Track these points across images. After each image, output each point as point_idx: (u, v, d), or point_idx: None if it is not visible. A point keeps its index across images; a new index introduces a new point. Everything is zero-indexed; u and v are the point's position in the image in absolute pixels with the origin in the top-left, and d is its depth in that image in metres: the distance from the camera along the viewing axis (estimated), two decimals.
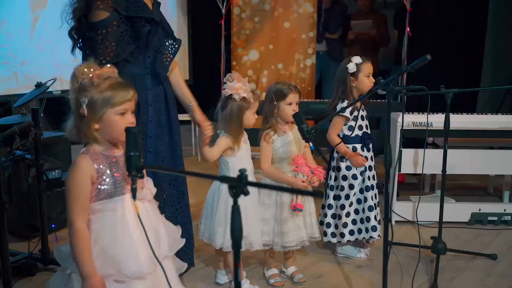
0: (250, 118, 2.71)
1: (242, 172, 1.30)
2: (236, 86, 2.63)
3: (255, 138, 2.92)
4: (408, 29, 4.84)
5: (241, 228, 1.34)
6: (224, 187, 2.64)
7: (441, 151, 3.74)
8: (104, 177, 1.79)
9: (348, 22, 6.27)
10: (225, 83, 2.67)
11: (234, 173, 2.65)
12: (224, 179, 1.36)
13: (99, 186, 1.79)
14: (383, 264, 2.48)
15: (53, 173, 3.17)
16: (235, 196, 1.32)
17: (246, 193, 1.32)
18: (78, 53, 2.34)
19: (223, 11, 5.50)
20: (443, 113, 3.79)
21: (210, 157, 2.63)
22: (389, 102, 2.23)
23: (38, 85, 2.90)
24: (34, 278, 2.96)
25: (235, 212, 1.33)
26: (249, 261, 3.15)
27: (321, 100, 5.39)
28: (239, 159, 2.68)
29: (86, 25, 2.24)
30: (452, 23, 5.83)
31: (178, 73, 2.54)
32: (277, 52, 5.70)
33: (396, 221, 3.83)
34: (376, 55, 6.17)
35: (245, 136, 2.75)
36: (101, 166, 1.79)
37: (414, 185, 4.76)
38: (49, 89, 2.97)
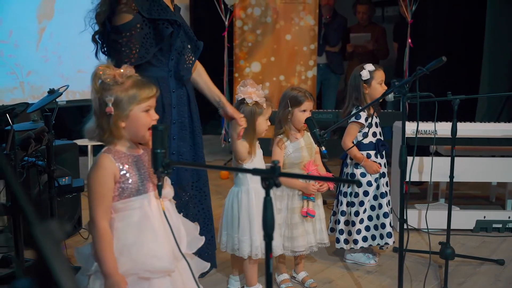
0: (263, 124, 2.69)
1: (275, 163, 1.33)
2: (249, 91, 2.63)
3: (266, 148, 2.94)
4: (409, 40, 4.92)
5: (273, 220, 1.36)
6: (244, 195, 2.64)
7: (445, 159, 3.81)
8: (127, 176, 1.81)
9: (347, 35, 6.36)
10: (239, 88, 2.69)
11: (251, 179, 2.64)
12: (256, 171, 1.39)
13: (122, 185, 1.80)
14: (399, 269, 2.51)
15: (64, 179, 3.17)
16: (267, 187, 1.35)
17: (278, 185, 1.35)
18: (103, 57, 2.36)
19: (226, 23, 5.58)
20: (446, 121, 3.88)
21: (243, 151, 2.59)
22: (404, 104, 2.27)
23: (51, 92, 2.92)
24: None
25: (268, 203, 1.36)
26: (259, 266, 3.15)
27: (323, 110, 5.45)
28: (256, 165, 2.67)
29: (110, 28, 2.27)
30: (451, 34, 5.94)
31: (204, 72, 2.55)
32: (279, 64, 5.77)
33: None
34: None
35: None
36: (124, 165, 1.81)
37: (416, 194, 4.80)
38: None
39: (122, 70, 1.83)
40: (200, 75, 2.54)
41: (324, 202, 4.31)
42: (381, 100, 2.78)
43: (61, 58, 4.63)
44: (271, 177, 1.34)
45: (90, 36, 2.37)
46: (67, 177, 3.22)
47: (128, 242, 1.79)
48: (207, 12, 6.47)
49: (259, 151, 2.73)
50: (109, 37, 2.27)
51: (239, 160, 2.65)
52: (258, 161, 2.70)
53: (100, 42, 2.33)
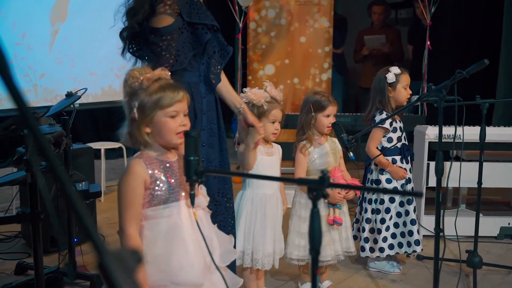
0: (268, 127, 2.55)
1: (325, 173, 1.25)
2: (253, 92, 2.54)
3: (288, 152, 2.85)
4: (428, 42, 4.83)
5: (320, 233, 1.28)
6: (237, 199, 2.59)
7: (467, 164, 3.72)
8: (158, 182, 1.73)
9: (361, 37, 6.27)
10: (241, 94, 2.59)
11: (252, 186, 2.58)
12: (303, 181, 1.30)
13: (153, 192, 1.72)
14: (434, 280, 2.41)
15: (80, 184, 3.10)
16: (315, 199, 1.27)
17: (326, 196, 1.27)
18: (129, 56, 2.25)
19: (240, 25, 5.50)
20: (469, 126, 3.79)
21: (254, 161, 2.48)
22: (441, 109, 2.18)
23: (69, 95, 2.85)
24: None
25: (315, 215, 1.27)
26: (280, 277, 3.07)
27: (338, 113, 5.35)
28: (259, 172, 2.54)
29: (149, 30, 2.16)
30: (468, 36, 5.85)
31: (225, 77, 2.47)
32: (293, 66, 5.69)
33: (424, 236, 3.76)
34: None
35: (269, 148, 2.62)
36: (155, 171, 1.73)
37: (434, 200, 4.70)
38: None
39: (149, 75, 1.75)
40: (223, 81, 2.45)
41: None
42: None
43: (74, 60, 4.56)
44: (319, 187, 1.25)
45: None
46: (83, 182, 3.14)
47: (157, 252, 1.71)
48: (221, 14, 6.39)
49: (267, 158, 2.60)
50: (147, 38, 2.16)
51: (246, 169, 2.52)
52: (264, 166, 2.56)
53: (128, 41, 2.21)
